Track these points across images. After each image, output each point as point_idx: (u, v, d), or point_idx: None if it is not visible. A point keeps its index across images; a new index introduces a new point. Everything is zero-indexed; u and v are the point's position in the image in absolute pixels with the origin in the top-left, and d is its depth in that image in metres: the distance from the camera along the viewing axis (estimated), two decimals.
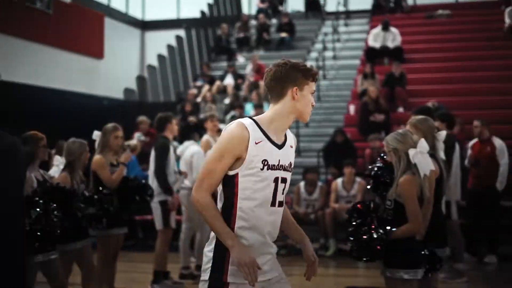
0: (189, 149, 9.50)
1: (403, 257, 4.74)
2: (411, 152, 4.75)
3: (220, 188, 3.73)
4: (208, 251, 3.71)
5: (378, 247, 4.69)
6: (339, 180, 11.97)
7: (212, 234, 3.70)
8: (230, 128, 3.66)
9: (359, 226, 4.77)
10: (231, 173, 3.66)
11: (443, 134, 5.54)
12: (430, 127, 5.51)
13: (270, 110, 3.74)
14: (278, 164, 3.71)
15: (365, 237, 4.70)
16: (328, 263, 11.16)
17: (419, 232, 4.75)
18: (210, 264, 3.68)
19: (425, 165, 4.75)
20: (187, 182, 9.39)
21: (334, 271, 10.82)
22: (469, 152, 10.76)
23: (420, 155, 4.75)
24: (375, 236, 4.69)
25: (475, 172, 10.64)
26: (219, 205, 3.71)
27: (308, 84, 3.73)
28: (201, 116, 15.31)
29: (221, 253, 3.65)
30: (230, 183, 3.68)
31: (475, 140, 10.72)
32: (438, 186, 5.34)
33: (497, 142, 10.54)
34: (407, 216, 4.72)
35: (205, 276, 3.69)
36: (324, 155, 13.75)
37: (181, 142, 9.67)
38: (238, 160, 3.63)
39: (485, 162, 10.46)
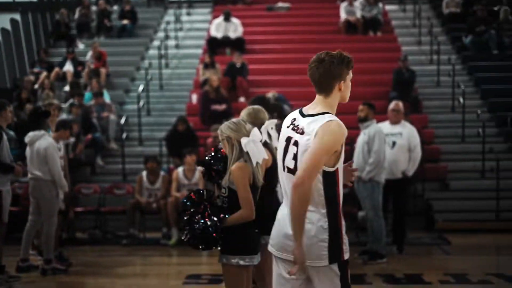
0: (43, 140, 8.86)
1: (238, 243, 4.81)
2: (243, 140, 4.82)
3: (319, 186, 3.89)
4: (321, 240, 3.88)
5: (214, 235, 4.73)
6: (180, 169, 11.98)
7: (323, 224, 3.88)
8: (335, 127, 3.89)
9: (193, 215, 4.80)
10: (331, 169, 3.89)
11: (272, 122, 5.66)
12: (260, 117, 5.65)
13: (322, 102, 4.08)
14: None
15: (197, 225, 4.73)
16: (171, 252, 11.16)
17: (251, 218, 4.82)
18: (326, 250, 3.88)
19: (257, 153, 4.83)
20: (37, 173, 8.90)
21: (177, 260, 10.84)
22: None
23: (252, 143, 4.83)
24: (208, 223, 4.73)
25: None
26: (318, 202, 3.90)
27: (349, 74, 4.11)
28: (39, 103, 14.76)
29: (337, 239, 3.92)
30: (331, 180, 3.91)
31: None
32: (270, 175, 5.42)
33: None
34: (240, 202, 4.79)
35: (324, 261, 3.89)
36: (167, 144, 13.72)
37: (28, 130, 9.10)
38: (332, 156, 3.89)
39: None
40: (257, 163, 4.84)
